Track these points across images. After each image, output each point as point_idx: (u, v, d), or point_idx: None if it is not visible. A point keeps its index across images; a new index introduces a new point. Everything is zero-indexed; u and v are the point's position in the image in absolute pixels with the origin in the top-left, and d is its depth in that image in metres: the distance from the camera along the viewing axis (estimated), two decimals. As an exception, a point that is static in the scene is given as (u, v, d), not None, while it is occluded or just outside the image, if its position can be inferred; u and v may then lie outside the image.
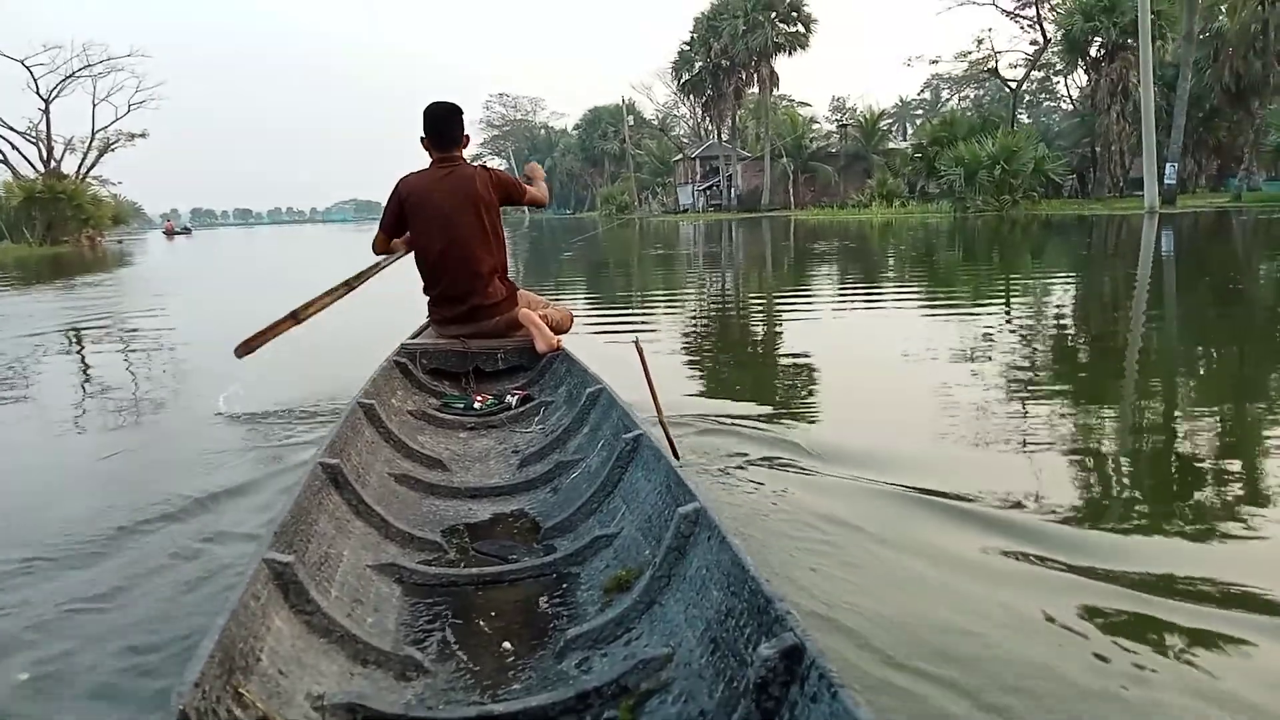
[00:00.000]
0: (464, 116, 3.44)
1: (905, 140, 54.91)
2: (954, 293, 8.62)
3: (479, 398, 3.12)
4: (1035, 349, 5.25)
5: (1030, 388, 4.14)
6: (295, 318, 3.48)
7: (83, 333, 7.55)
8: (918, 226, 23.69)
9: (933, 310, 7.29)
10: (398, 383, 3.06)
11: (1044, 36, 34.09)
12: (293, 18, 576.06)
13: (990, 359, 4.78)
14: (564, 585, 1.67)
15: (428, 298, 3.57)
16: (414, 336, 3.59)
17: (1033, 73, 38.74)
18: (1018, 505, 2.40)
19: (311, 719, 1.16)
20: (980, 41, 37.51)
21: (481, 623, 1.53)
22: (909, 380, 4.43)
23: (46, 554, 2.19)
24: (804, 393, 4.35)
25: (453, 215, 3.37)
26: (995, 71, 37.19)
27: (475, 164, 3.49)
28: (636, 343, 2.28)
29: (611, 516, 1.88)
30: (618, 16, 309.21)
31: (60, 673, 1.64)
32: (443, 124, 3.38)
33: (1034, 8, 34.77)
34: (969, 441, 3.15)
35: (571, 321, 3.74)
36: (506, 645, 1.45)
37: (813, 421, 3.52)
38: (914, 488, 2.51)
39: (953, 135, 31.04)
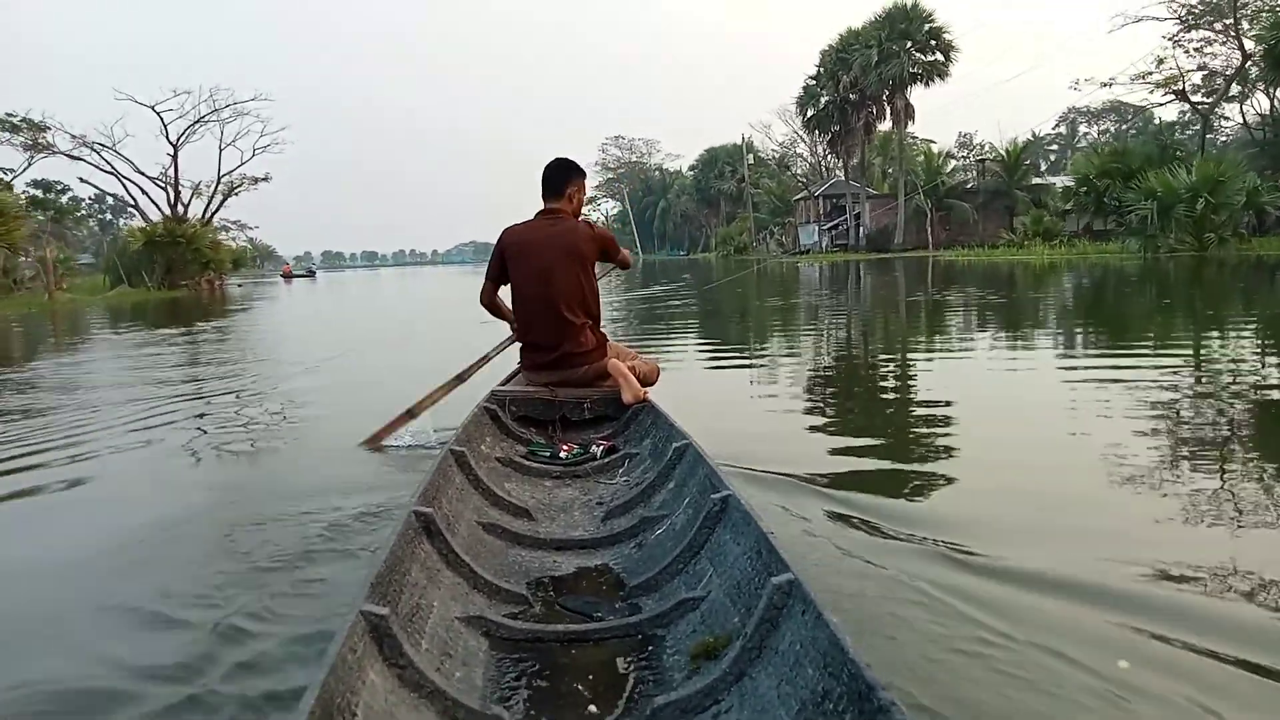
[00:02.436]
0: (574, 172, 3.61)
1: (1043, 175, 50.34)
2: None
3: (565, 447, 3.14)
4: None
5: None
6: (411, 414, 3.85)
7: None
8: (1097, 270, 19.81)
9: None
10: (487, 429, 3.12)
11: (1242, 52, 29.46)
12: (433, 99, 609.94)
13: None
14: (650, 647, 1.63)
15: (519, 344, 3.73)
16: (504, 382, 3.65)
17: (1191, 98, 33.56)
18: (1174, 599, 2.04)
19: None
20: (1161, 61, 32.65)
21: (568, 682, 1.51)
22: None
23: (157, 605, 2.16)
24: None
25: (550, 265, 3.49)
26: (1183, 94, 32.41)
27: (580, 219, 3.64)
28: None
29: (698, 579, 1.82)
30: (735, 58, 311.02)
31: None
32: (551, 175, 3.56)
33: (1230, 20, 30.04)
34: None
35: (658, 375, 3.74)
36: (593, 709, 1.41)
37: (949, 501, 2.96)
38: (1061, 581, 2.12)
39: (1127, 167, 27.24)
